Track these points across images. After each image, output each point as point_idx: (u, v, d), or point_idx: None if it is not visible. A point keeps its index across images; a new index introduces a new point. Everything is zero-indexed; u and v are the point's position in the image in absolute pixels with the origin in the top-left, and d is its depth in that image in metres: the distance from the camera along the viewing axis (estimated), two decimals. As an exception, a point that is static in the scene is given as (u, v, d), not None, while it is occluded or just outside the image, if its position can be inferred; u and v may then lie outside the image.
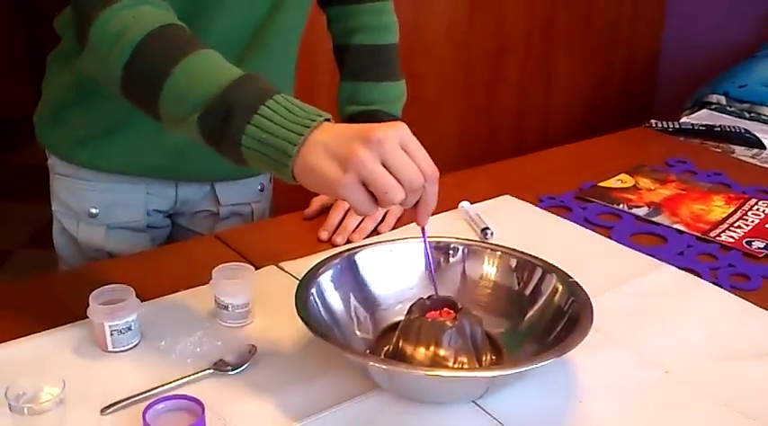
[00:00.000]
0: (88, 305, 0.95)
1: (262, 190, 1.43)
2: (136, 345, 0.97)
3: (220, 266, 1.03)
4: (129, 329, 0.96)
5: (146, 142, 1.23)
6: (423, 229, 0.92)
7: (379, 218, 1.27)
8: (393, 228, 1.27)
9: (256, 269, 1.14)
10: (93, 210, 1.29)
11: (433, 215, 1.29)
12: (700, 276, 1.17)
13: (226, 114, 0.85)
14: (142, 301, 0.98)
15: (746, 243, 1.27)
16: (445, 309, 0.93)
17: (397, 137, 0.84)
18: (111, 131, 1.23)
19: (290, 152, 0.83)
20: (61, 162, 1.29)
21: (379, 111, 1.34)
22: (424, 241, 0.94)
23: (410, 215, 1.29)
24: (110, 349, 0.96)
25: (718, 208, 1.40)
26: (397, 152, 0.83)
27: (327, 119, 0.85)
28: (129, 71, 0.92)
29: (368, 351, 0.95)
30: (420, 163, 0.85)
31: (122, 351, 0.96)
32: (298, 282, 0.96)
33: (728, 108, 2.38)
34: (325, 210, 1.29)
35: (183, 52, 0.91)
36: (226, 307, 1.01)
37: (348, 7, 1.36)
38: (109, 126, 1.23)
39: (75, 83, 1.22)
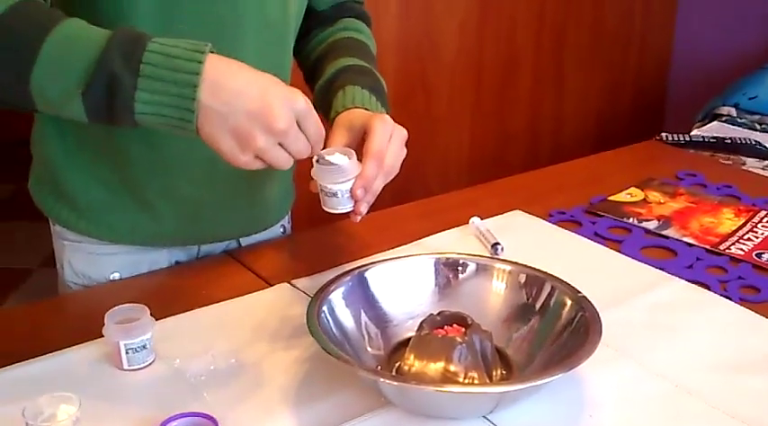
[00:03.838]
0: (104, 324, 0.97)
1: (284, 233, 1.39)
2: (151, 363, 0.98)
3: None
4: (144, 347, 0.97)
5: (160, 212, 1.18)
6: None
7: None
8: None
9: (270, 286, 1.16)
10: (115, 276, 1.22)
11: (443, 230, 1.33)
12: (709, 289, 1.18)
13: (109, 85, 0.83)
14: (157, 319, 1.00)
15: (756, 255, 1.28)
16: (455, 325, 0.94)
17: (294, 118, 0.88)
18: (119, 200, 1.17)
19: (189, 118, 0.85)
20: (71, 231, 1.21)
21: (365, 67, 1.19)
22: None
23: (418, 232, 1.32)
24: (125, 367, 0.97)
25: (727, 220, 1.40)
26: (295, 135, 0.88)
27: (211, 52, 0.86)
28: None
29: (379, 368, 0.96)
30: (310, 136, 0.91)
31: (137, 370, 0.97)
32: (309, 299, 0.97)
33: (739, 119, 2.38)
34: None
35: (46, 27, 0.84)
36: (335, 194, 0.98)
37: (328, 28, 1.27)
38: (114, 190, 1.16)
39: (62, 136, 1.15)
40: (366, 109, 1.09)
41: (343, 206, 0.98)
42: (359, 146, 1.01)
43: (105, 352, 0.99)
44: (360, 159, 0.98)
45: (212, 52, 0.86)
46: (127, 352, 0.96)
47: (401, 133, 1.03)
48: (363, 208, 0.99)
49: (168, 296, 1.13)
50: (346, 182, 0.97)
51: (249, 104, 0.85)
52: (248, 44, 1.09)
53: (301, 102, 0.89)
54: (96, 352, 1.00)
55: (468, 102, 2.84)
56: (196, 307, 1.10)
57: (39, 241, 3.29)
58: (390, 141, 1.00)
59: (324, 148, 0.96)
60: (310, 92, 1.22)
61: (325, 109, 1.14)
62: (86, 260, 1.22)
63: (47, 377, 0.96)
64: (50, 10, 0.89)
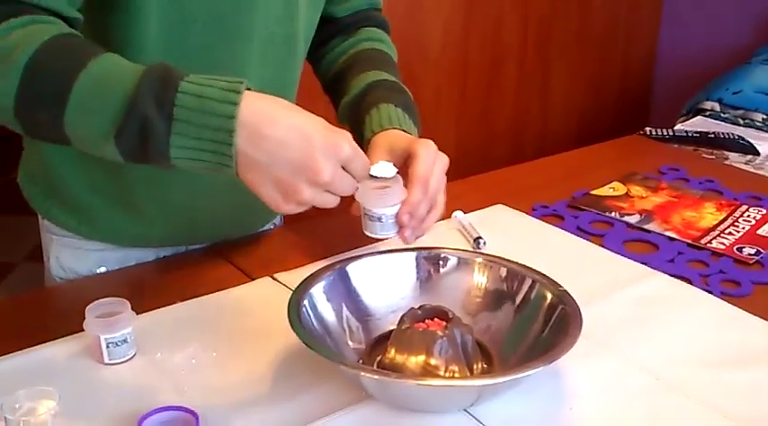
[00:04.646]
0: (84, 318, 0.97)
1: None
2: (132, 357, 0.98)
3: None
4: (125, 341, 0.97)
5: (152, 218, 1.17)
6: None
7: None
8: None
9: (252, 280, 1.16)
10: (102, 269, 1.21)
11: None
12: (690, 283, 1.18)
13: (142, 129, 0.80)
14: (138, 313, 1.00)
15: (737, 249, 1.28)
16: (436, 319, 0.94)
17: (338, 165, 0.85)
18: (112, 204, 1.16)
19: (227, 163, 0.82)
20: (59, 227, 1.21)
21: (395, 83, 1.18)
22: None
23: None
24: (106, 361, 0.97)
25: (709, 214, 1.41)
26: (340, 180, 0.86)
27: (247, 88, 0.82)
28: (23, 93, 0.81)
29: (360, 361, 0.96)
30: (356, 175, 0.88)
31: (118, 364, 0.97)
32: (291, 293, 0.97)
33: (722, 114, 2.39)
34: None
35: (80, 63, 0.82)
36: (379, 219, 0.97)
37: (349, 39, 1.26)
38: (108, 195, 1.15)
39: None
40: (403, 129, 1.08)
41: (386, 231, 0.97)
42: (400, 170, 1.00)
43: (86, 346, 0.98)
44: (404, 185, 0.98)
45: (248, 89, 0.83)
46: (107, 346, 0.96)
47: (443, 160, 1.03)
48: (410, 237, 0.98)
49: (150, 290, 1.13)
50: (392, 207, 0.96)
51: (292, 155, 0.82)
52: (255, 50, 1.08)
53: (346, 148, 0.85)
54: (77, 346, 0.99)
55: (453, 100, 2.84)
56: (178, 301, 1.10)
57: (25, 234, 3.29)
58: (433, 167, 1.00)
59: None
60: (332, 103, 1.23)
61: (355, 125, 1.13)
62: (74, 255, 1.22)
63: (26, 370, 0.95)
64: (86, 44, 0.86)
